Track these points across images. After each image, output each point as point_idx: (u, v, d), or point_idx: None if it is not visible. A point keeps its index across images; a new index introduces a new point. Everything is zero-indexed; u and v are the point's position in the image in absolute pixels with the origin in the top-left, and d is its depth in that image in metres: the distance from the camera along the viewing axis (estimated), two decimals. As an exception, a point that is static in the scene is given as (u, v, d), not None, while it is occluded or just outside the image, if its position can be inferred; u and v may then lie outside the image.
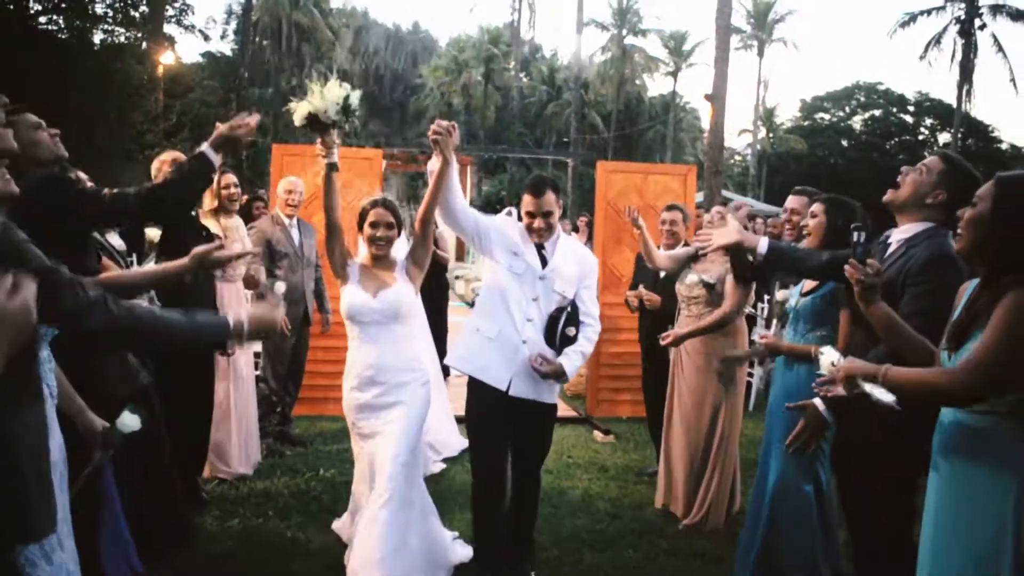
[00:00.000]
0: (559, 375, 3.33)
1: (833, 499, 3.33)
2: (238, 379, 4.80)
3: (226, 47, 38.26)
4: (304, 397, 5.74)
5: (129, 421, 2.28)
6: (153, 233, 3.47)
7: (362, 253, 3.43)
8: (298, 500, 4.38)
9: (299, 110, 3.15)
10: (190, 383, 4.08)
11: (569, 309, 3.39)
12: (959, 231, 2.10)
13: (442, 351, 7.20)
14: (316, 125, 3.17)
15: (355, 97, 3.16)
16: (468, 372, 3.40)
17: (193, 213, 4.19)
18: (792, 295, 3.44)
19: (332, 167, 3.22)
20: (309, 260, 5.35)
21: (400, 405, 3.23)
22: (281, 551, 3.68)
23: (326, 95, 3.11)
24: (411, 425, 3.22)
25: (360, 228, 3.35)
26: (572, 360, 3.36)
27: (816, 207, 3.34)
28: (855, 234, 2.48)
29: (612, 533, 4.16)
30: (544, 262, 3.38)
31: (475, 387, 3.41)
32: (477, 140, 47.92)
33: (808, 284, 3.36)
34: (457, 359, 3.46)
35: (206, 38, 21.72)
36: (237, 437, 4.79)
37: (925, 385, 1.99)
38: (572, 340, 3.38)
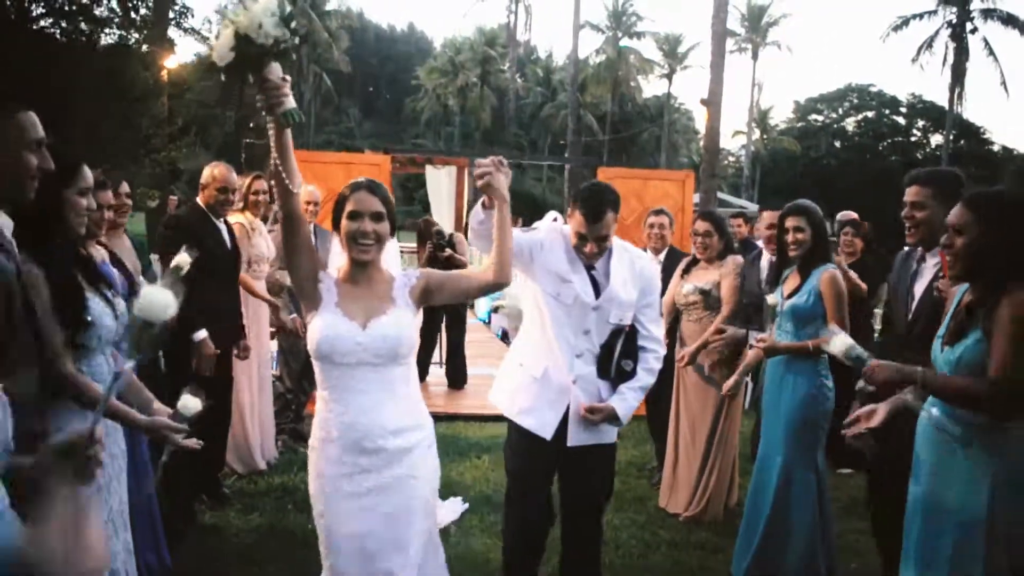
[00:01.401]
0: (611, 420, 2.87)
1: (827, 489, 3.55)
2: (254, 378, 4.98)
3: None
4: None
5: (190, 404, 2.21)
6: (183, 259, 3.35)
7: (336, 263, 2.47)
8: (315, 494, 4.56)
9: (220, 43, 1.97)
10: (210, 383, 4.25)
11: (626, 335, 2.90)
12: (950, 262, 2.22)
13: (460, 363, 7.35)
14: (249, 58, 1.97)
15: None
16: (509, 415, 3.01)
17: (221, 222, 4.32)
18: (776, 297, 3.63)
19: (290, 117, 2.01)
20: (326, 265, 5.49)
21: (403, 482, 2.26)
22: (303, 543, 3.85)
23: (253, 7, 1.95)
24: (422, 513, 2.30)
25: (336, 224, 2.32)
26: (627, 400, 2.87)
27: (799, 220, 3.55)
28: None
29: (615, 524, 4.35)
30: (597, 289, 2.88)
31: (517, 429, 2.99)
32: (473, 141, 48.10)
33: (789, 286, 3.59)
34: (499, 398, 3.07)
35: (204, 39, 21.80)
36: (254, 434, 4.98)
37: (966, 393, 2.13)
38: (630, 375, 2.89)
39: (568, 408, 2.88)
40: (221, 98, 26.10)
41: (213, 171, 4.22)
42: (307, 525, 4.06)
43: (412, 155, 15.77)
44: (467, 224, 2.86)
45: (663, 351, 3.01)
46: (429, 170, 13.57)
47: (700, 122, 21.43)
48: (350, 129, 52.54)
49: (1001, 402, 2.07)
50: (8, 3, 14.11)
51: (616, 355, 2.85)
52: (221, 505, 4.31)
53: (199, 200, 4.26)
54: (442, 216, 12.28)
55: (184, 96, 18.20)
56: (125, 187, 3.41)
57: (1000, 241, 2.12)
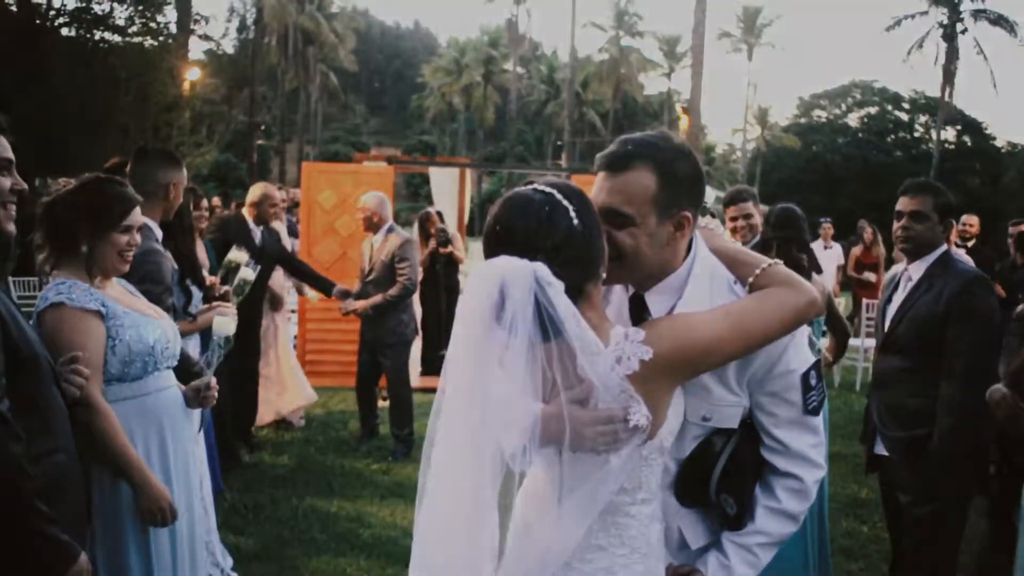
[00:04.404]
0: None
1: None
2: (278, 351, 5.99)
3: (227, 45, 39.40)
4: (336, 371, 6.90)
5: (223, 325, 2.54)
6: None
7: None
8: (330, 443, 5.60)
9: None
10: (240, 352, 5.23)
11: (733, 446, 1.51)
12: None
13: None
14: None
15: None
16: None
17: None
18: None
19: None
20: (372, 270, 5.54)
21: None
22: (323, 473, 4.90)
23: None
24: None
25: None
26: (731, 567, 1.53)
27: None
28: None
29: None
30: None
31: None
32: (477, 138, 49.11)
33: None
34: None
35: (218, 46, 22.85)
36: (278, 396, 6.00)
37: None
38: (740, 518, 1.55)
39: None
40: (228, 96, 27.18)
41: (266, 191, 5.23)
42: (326, 463, 5.11)
43: (415, 164, 16.90)
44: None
45: (817, 473, 1.57)
46: (433, 169, 14.54)
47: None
48: (356, 126, 53.55)
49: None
50: (30, 11, 15.15)
51: (713, 485, 1.50)
52: (256, 449, 5.33)
53: (244, 212, 5.24)
54: (446, 213, 13.13)
55: (192, 90, 19.19)
56: (205, 202, 4.41)
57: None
